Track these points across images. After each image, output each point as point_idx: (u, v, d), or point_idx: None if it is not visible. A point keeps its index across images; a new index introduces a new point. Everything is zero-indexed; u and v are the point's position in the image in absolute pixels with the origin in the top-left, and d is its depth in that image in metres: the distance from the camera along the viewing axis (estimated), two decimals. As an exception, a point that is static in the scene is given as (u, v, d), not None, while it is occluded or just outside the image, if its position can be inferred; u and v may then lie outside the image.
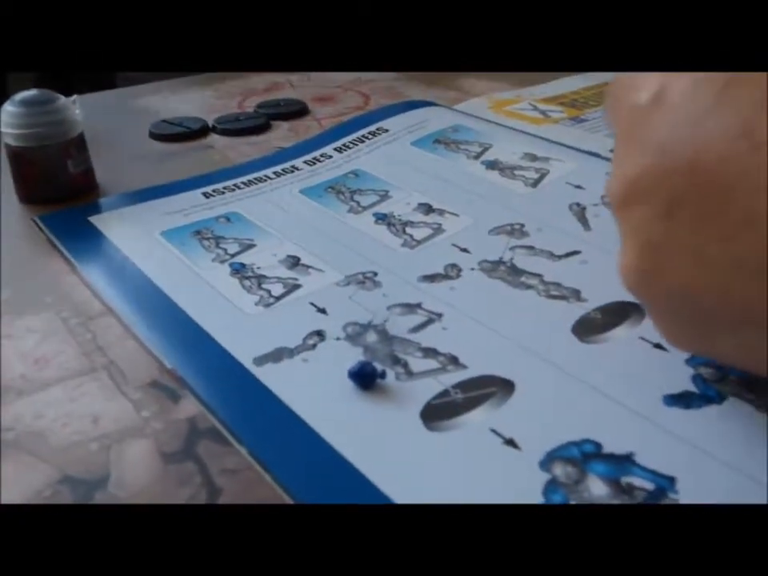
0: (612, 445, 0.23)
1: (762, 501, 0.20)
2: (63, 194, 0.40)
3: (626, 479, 0.21)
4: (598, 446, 0.23)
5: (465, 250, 0.34)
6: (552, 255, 0.33)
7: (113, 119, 0.54)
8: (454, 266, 0.32)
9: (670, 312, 0.22)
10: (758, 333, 0.19)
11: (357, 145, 0.45)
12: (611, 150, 0.25)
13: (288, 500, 0.21)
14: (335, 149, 0.44)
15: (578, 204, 0.37)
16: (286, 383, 0.25)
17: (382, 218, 0.37)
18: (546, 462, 0.22)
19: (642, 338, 0.27)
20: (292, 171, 0.42)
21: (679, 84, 0.20)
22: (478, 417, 0.24)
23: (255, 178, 0.41)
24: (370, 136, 0.46)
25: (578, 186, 0.39)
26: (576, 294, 0.30)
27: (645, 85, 0.22)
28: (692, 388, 0.25)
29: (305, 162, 0.43)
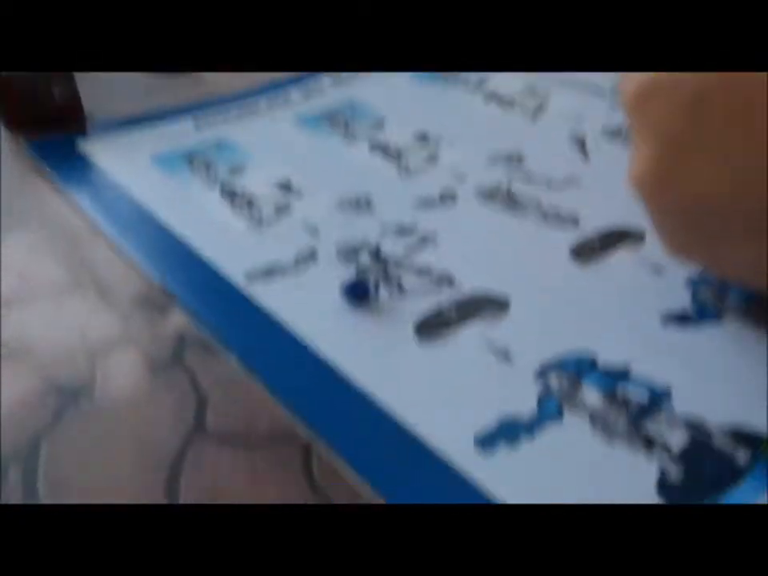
0: (607, 358, 0.22)
1: (759, 411, 0.20)
2: (49, 120, 0.39)
3: (621, 390, 0.21)
4: (593, 359, 0.22)
5: (461, 178, 0.33)
6: (550, 183, 0.32)
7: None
8: (449, 192, 0.32)
9: (679, 220, 0.21)
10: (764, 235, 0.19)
11: (354, 76, 0.44)
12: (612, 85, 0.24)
13: (277, 405, 0.20)
14: (330, 78, 0.43)
15: (577, 134, 0.36)
16: (277, 299, 0.25)
17: (377, 146, 0.36)
18: (541, 374, 0.22)
19: (640, 261, 0.27)
20: (285, 100, 0.41)
21: None
22: (472, 331, 0.23)
23: (247, 107, 0.40)
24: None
25: (578, 117, 0.38)
26: (574, 220, 0.30)
27: None
28: (690, 308, 0.25)
29: (299, 92, 0.42)
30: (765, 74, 0.18)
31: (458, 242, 0.28)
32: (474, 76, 0.42)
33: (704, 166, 0.19)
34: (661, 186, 0.20)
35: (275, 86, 0.43)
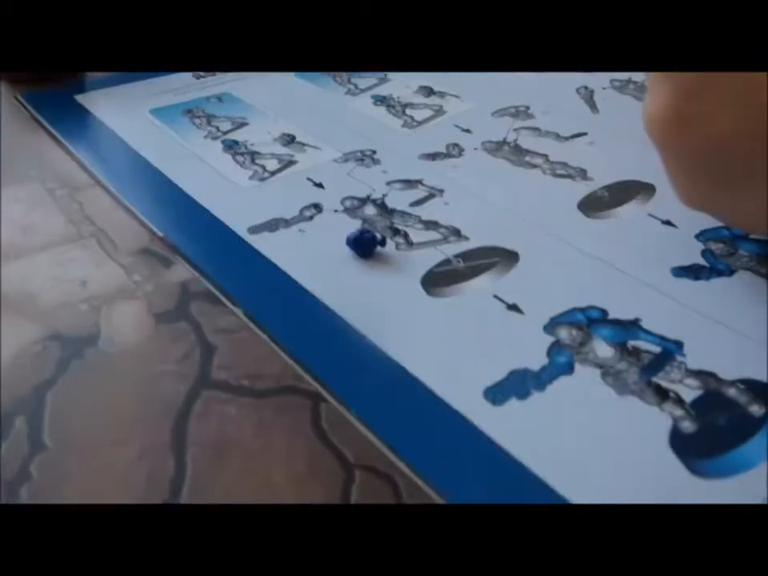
0: (618, 311, 0.22)
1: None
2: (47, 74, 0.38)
3: (632, 342, 0.21)
4: (603, 312, 0.22)
5: (467, 131, 0.32)
6: (558, 136, 0.32)
7: None
8: (455, 145, 0.31)
9: (696, 162, 0.20)
10: None
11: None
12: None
13: (282, 354, 0.20)
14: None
15: (585, 87, 0.35)
16: (282, 251, 0.24)
17: (381, 99, 0.35)
18: (551, 327, 0.21)
19: (651, 215, 0.27)
20: (287, 54, 0.40)
21: None
22: (480, 284, 0.23)
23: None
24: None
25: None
26: (582, 173, 0.29)
27: None
28: (702, 261, 0.24)
29: (300, 46, 0.41)
30: None
31: (464, 195, 0.28)
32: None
33: (720, 105, 0.19)
34: (678, 128, 0.20)
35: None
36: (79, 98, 0.35)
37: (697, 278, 0.23)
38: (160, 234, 0.25)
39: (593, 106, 0.34)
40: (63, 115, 0.34)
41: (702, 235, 0.25)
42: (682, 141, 0.20)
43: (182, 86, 0.37)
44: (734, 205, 0.21)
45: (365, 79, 0.37)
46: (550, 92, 0.35)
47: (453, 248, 0.25)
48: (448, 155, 0.30)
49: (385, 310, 0.22)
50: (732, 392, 0.19)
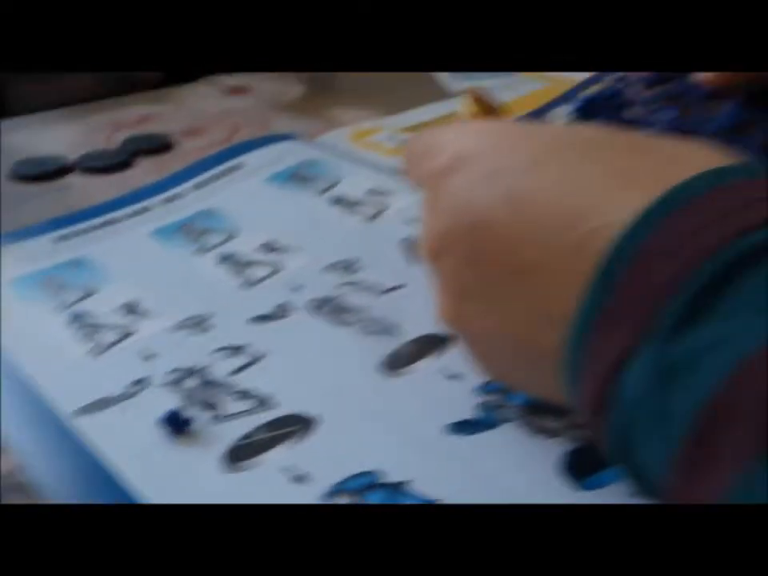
0: (392, 474, 0.25)
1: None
2: None
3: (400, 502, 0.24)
4: (379, 476, 0.25)
5: (298, 289, 0.36)
6: (377, 290, 0.36)
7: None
8: (283, 305, 0.35)
9: (481, 350, 0.25)
10: (548, 367, 0.22)
11: (214, 182, 0.47)
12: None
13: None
14: (192, 186, 0.46)
15: (407, 238, 0.40)
16: (103, 433, 0.27)
17: (225, 257, 0.39)
18: (331, 494, 0.24)
19: (440, 370, 0.30)
20: (145, 211, 0.44)
21: (469, 152, 0.23)
22: (275, 455, 0.26)
23: (108, 220, 0.43)
24: (228, 172, 0.48)
25: (412, 220, 0.41)
26: (392, 329, 0.33)
27: (441, 151, 0.25)
28: (475, 415, 0.28)
29: (160, 201, 0.45)
30: (518, 233, 0.21)
31: (282, 360, 0.31)
32: (323, 181, 0.46)
33: (486, 308, 0.23)
34: (459, 324, 0.25)
35: (137, 196, 0.45)
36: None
37: (468, 432, 0.27)
38: (-8, 421, 0.28)
39: (411, 257, 0.38)
40: None
41: (480, 388, 0.29)
42: (462, 335, 0.25)
43: (40, 251, 0.39)
44: (516, 379, 0.25)
45: (214, 236, 0.41)
46: (376, 244, 0.39)
47: (259, 418, 0.28)
48: (275, 317, 0.34)
49: (185, 491, 0.25)
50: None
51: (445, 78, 0.67)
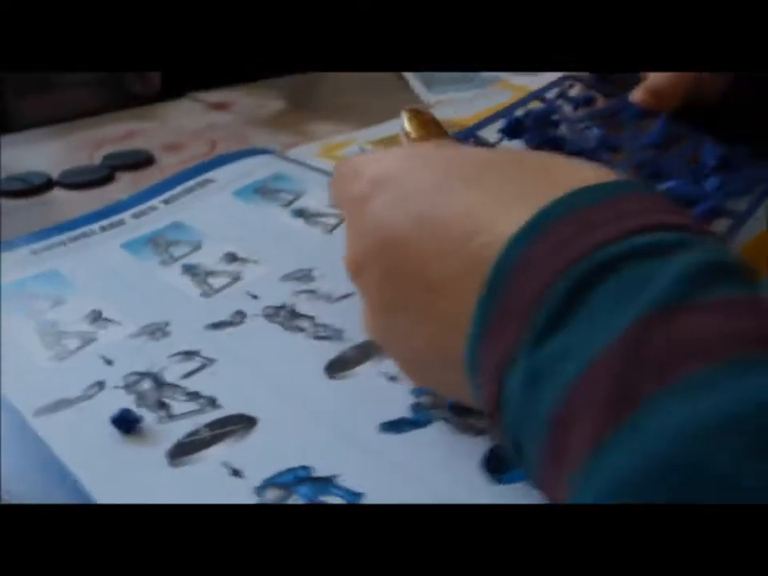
0: (322, 469, 0.27)
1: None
2: None
3: (324, 498, 0.26)
4: (309, 470, 0.27)
5: (255, 297, 0.38)
6: (329, 298, 0.38)
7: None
8: (240, 312, 0.37)
9: (403, 360, 0.27)
10: (460, 374, 0.23)
11: (185, 196, 0.49)
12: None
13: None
14: (163, 201, 0.48)
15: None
16: (58, 433, 0.29)
17: (189, 268, 0.41)
18: (262, 488, 0.26)
19: (381, 372, 0.32)
20: (120, 225, 0.46)
21: (383, 176, 0.25)
22: (216, 451, 0.28)
23: (83, 233, 0.45)
24: (199, 186, 0.50)
25: (370, 231, 0.44)
26: (339, 334, 0.35)
27: (359, 176, 0.27)
28: (408, 414, 0.30)
29: (132, 215, 0.47)
30: (420, 250, 0.23)
31: (233, 364, 0.33)
32: (288, 194, 0.48)
33: (401, 318, 0.25)
34: (380, 335, 0.28)
35: (112, 210, 0.47)
36: None
37: (399, 431, 0.29)
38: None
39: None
40: None
41: (415, 390, 0.31)
42: (383, 345, 0.28)
43: (16, 264, 0.42)
44: (434, 384, 0.27)
45: (180, 248, 0.43)
46: (333, 254, 0.41)
47: (205, 417, 0.30)
48: (230, 323, 0.36)
49: (131, 486, 0.27)
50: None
51: (421, 90, 0.69)
